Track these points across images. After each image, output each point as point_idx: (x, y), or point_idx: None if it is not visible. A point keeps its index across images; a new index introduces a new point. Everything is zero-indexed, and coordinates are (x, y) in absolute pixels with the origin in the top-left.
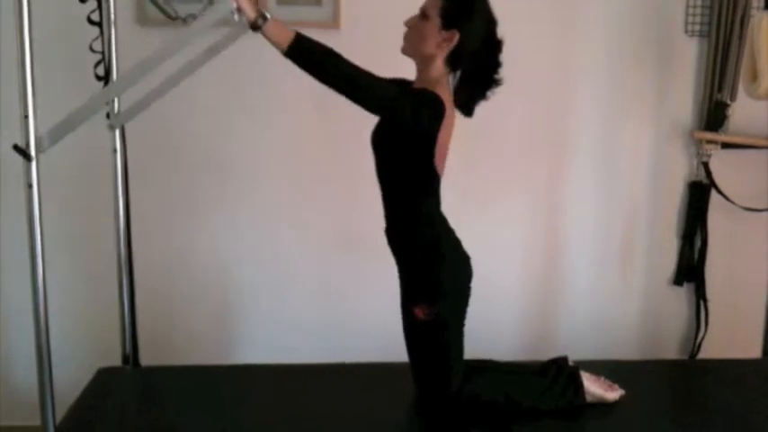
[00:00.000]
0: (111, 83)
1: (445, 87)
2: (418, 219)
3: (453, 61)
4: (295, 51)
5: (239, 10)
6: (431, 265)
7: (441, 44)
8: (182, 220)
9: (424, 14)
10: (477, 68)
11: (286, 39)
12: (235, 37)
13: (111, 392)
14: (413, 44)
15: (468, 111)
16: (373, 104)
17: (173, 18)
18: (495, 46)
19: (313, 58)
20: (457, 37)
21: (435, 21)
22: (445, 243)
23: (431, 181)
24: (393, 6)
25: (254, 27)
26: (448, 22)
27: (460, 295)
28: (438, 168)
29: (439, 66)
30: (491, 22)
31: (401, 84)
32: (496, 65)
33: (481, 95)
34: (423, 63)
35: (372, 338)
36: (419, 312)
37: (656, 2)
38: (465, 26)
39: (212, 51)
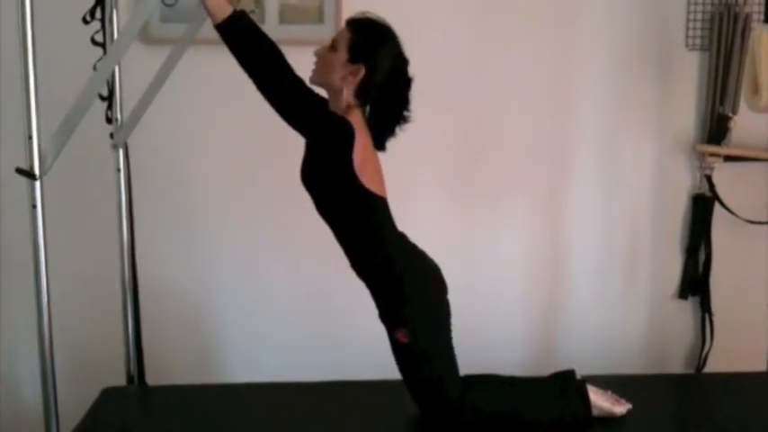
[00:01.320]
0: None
1: (356, 116)
2: (371, 246)
3: (362, 94)
4: (230, 26)
5: None
6: (395, 288)
7: (346, 77)
8: (188, 241)
9: (332, 46)
10: (385, 104)
11: (224, 13)
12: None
13: (115, 412)
14: (320, 74)
15: (379, 145)
16: (288, 107)
17: None
18: (404, 83)
19: (247, 39)
20: (363, 71)
21: (342, 53)
22: (404, 262)
23: (371, 205)
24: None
25: None
26: (354, 55)
27: (436, 309)
28: (374, 190)
29: (347, 97)
30: (401, 60)
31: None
32: (405, 102)
33: (389, 131)
34: (331, 93)
35: (372, 354)
36: (401, 336)
37: (656, 16)
38: (371, 61)
39: (188, 37)
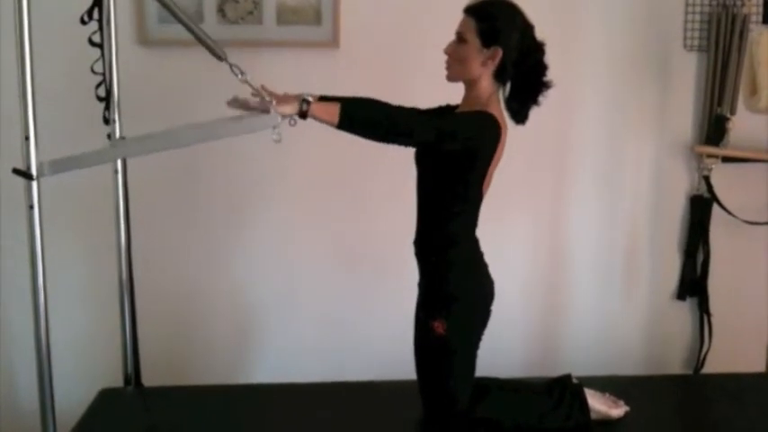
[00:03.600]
0: (122, 143)
1: (496, 105)
2: (451, 236)
3: (500, 75)
4: (346, 122)
5: (282, 117)
6: (454, 281)
7: (485, 63)
8: (187, 243)
9: (460, 38)
10: (526, 76)
11: (334, 114)
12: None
13: (113, 413)
14: (457, 70)
15: (522, 118)
16: (435, 143)
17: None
18: (537, 50)
19: (364, 122)
20: (500, 52)
21: (474, 42)
22: (470, 261)
23: (473, 201)
24: (392, 25)
25: (303, 116)
26: (487, 39)
27: (479, 314)
28: (484, 191)
29: (486, 85)
30: (528, 28)
31: (446, 111)
32: (543, 68)
33: (533, 101)
34: (470, 85)
35: (378, 357)
36: (437, 326)
37: (654, 18)
38: (505, 39)
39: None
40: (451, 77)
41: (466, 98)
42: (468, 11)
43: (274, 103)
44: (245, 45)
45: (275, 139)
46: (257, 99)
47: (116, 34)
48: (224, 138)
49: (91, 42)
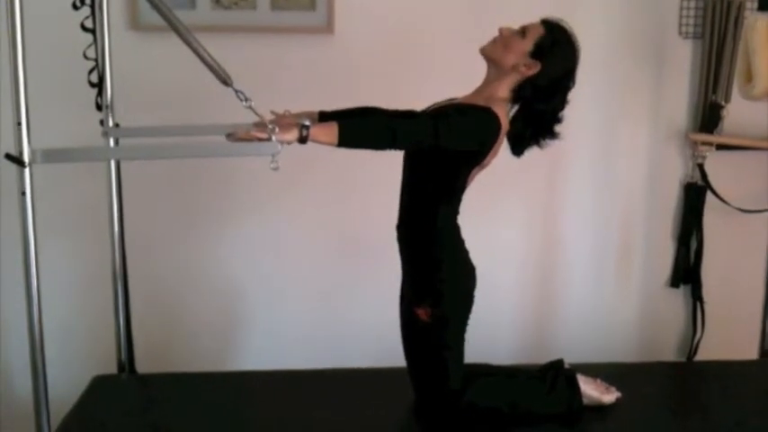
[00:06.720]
0: (117, 147)
1: (503, 109)
2: (433, 222)
3: (519, 90)
4: (345, 139)
5: (283, 143)
6: (437, 267)
7: (519, 67)
8: (181, 229)
9: (522, 31)
10: (537, 111)
11: (333, 134)
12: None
13: (106, 400)
14: (497, 51)
15: (517, 150)
16: (438, 144)
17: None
18: (560, 97)
19: (363, 137)
20: (537, 69)
21: (529, 43)
22: (453, 248)
23: (458, 191)
24: (387, 12)
25: (303, 141)
26: (537, 51)
27: (463, 300)
28: (470, 181)
29: (504, 89)
30: (570, 77)
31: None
32: (556, 118)
33: (534, 140)
34: (494, 75)
35: (371, 344)
36: (421, 313)
37: (649, 4)
38: (548, 63)
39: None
40: (485, 51)
41: (479, 90)
42: (544, 21)
43: (277, 130)
44: (239, 31)
45: (273, 167)
46: (256, 131)
47: (108, 19)
48: (220, 157)
49: (83, 27)
